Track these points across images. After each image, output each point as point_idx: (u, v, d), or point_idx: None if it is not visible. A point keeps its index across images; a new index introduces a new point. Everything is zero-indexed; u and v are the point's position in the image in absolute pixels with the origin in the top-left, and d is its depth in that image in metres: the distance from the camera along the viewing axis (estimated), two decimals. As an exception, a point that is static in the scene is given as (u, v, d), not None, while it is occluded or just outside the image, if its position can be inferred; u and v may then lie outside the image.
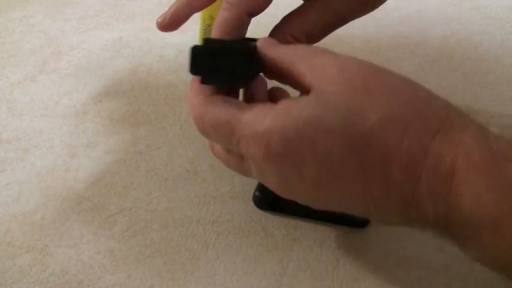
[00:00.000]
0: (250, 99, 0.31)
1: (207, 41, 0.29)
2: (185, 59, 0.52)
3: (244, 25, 0.32)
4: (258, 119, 0.27)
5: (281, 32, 0.33)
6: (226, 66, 0.29)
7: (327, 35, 0.34)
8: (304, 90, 0.28)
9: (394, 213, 0.27)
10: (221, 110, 0.29)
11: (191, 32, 0.42)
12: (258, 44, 0.31)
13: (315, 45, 0.32)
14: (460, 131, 0.25)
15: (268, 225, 0.36)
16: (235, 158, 0.31)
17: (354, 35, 0.52)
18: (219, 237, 0.36)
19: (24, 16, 0.61)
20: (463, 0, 0.57)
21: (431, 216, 0.26)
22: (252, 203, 0.37)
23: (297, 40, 0.33)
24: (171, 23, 0.37)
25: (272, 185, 0.30)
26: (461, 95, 0.45)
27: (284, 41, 0.33)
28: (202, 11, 0.42)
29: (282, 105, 0.27)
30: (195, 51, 0.29)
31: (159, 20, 0.37)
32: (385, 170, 0.26)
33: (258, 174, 0.30)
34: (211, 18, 0.42)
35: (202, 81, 0.29)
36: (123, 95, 0.49)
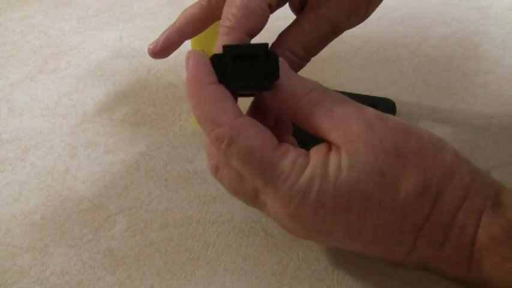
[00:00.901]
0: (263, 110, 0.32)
1: (226, 47, 0.29)
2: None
3: None
4: (295, 173, 0.26)
5: (278, 48, 0.33)
6: (250, 68, 0.29)
7: (323, 46, 0.34)
8: (326, 140, 0.28)
9: (411, 267, 0.29)
10: (255, 143, 0.27)
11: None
12: None
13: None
14: (481, 200, 0.26)
15: (268, 225, 0.36)
16: (249, 190, 0.29)
17: (354, 35, 0.52)
18: (219, 237, 0.36)
19: (24, 16, 0.61)
20: (463, 0, 0.57)
21: (450, 275, 0.27)
22: (252, 203, 0.37)
23: (295, 54, 0.33)
24: (162, 49, 0.37)
25: (288, 231, 0.29)
26: (461, 95, 0.45)
27: (283, 57, 0.33)
28: (193, 44, 0.42)
29: (317, 161, 0.27)
30: (216, 59, 0.29)
31: (150, 47, 0.37)
32: (413, 238, 0.27)
33: (274, 217, 0.29)
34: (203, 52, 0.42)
35: (226, 89, 0.29)
36: (123, 95, 0.49)
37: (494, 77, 0.47)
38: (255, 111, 0.33)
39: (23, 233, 0.37)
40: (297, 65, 0.33)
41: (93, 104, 0.48)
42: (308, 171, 0.26)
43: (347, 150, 0.26)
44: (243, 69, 0.29)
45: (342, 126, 0.27)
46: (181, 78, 0.50)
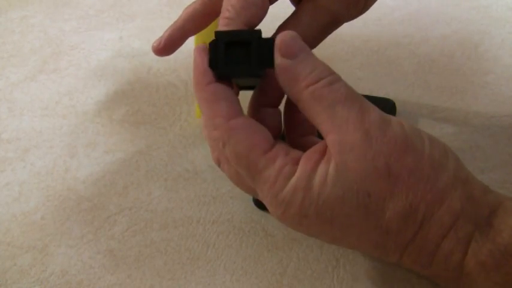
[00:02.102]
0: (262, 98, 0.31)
1: (218, 33, 0.29)
2: (185, 59, 0.52)
3: None
4: (279, 183, 0.27)
5: None
6: (242, 55, 0.28)
7: (323, 38, 0.34)
8: (322, 137, 0.27)
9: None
10: (243, 148, 0.27)
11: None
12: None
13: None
14: (470, 227, 0.26)
15: (268, 225, 0.36)
16: (248, 185, 0.29)
17: (353, 34, 0.52)
18: (219, 237, 0.36)
19: (24, 16, 0.61)
20: (463, 0, 0.57)
21: (441, 285, 0.28)
22: (252, 203, 0.37)
23: None
24: (166, 47, 0.37)
25: (283, 223, 0.29)
26: (461, 95, 0.45)
27: None
28: (196, 41, 0.42)
29: (303, 172, 0.26)
30: (209, 45, 0.29)
31: (154, 44, 0.37)
32: (399, 255, 0.27)
33: (270, 210, 0.29)
34: None
35: (219, 76, 0.29)
36: (123, 95, 0.49)
37: (494, 77, 0.47)
38: (262, 93, 0.32)
39: (23, 233, 0.37)
40: None
41: (93, 104, 0.48)
42: (292, 182, 0.26)
43: (337, 162, 0.26)
44: (235, 56, 0.28)
45: (339, 131, 0.26)
46: (181, 78, 0.50)
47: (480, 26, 0.54)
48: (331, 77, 0.27)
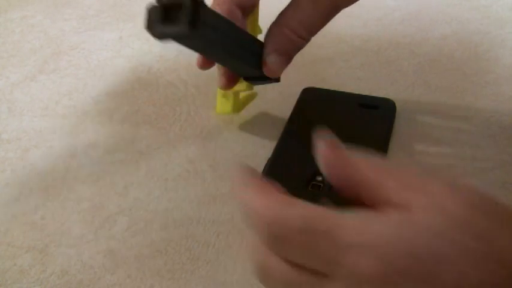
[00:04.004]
0: None
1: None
2: (185, 59, 0.52)
3: (236, 18, 0.32)
4: (371, 227, 0.21)
5: (278, 27, 0.33)
6: (177, 17, 0.29)
7: (323, 25, 0.34)
8: (379, 202, 0.23)
9: None
10: (312, 210, 0.22)
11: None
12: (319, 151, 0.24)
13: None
14: None
15: (268, 225, 0.36)
16: (306, 275, 0.23)
17: (353, 34, 0.52)
18: (219, 237, 0.36)
19: (24, 16, 0.61)
20: (463, 0, 0.57)
21: None
22: (252, 203, 0.37)
23: (295, 32, 0.33)
24: (204, 61, 0.37)
25: None
26: (461, 95, 0.45)
27: (282, 35, 0.33)
28: None
29: (396, 213, 0.21)
30: (150, 10, 0.32)
31: (198, 61, 0.37)
32: None
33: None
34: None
35: (156, 37, 0.31)
36: (123, 95, 0.49)
37: (494, 77, 0.47)
38: None
39: (23, 233, 0.37)
40: (298, 44, 0.33)
41: (93, 104, 0.48)
42: (389, 223, 0.21)
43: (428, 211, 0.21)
44: (171, 19, 0.30)
45: (418, 191, 0.22)
46: (181, 78, 0.50)
47: (480, 26, 0.54)
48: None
